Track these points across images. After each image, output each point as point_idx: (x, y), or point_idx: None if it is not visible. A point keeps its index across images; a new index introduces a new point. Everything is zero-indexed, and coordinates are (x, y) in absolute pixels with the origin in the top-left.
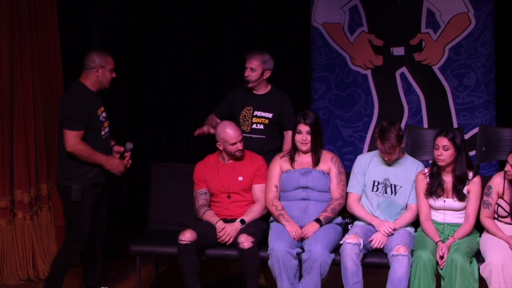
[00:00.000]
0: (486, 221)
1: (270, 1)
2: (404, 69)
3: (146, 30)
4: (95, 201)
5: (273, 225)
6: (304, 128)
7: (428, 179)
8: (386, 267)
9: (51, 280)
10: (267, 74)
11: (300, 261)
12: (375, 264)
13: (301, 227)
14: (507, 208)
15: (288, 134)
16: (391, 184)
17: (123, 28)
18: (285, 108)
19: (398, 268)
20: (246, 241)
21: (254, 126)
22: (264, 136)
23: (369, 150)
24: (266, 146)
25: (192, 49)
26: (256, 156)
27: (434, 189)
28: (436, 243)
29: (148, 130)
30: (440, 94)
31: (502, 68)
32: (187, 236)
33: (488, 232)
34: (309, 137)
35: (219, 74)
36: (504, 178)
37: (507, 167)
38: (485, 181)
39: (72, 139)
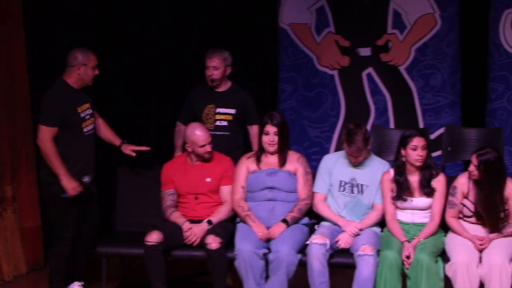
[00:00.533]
0: (451, 221)
1: (237, 1)
2: (370, 70)
3: (111, 32)
4: (81, 196)
5: (239, 226)
6: (271, 129)
7: (394, 181)
8: (352, 267)
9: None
10: (229, 71)
11: (266, 261)
12: (342, 264)
13: (268, 228)
14: (472, 208)
15: (253, 128)
16: (357, 184)
17: (89, 29)
18: (248, 103)
19: (364, 268)
20: (213, 242)
21: (217, 123)
22: (228, 133)
23: (336, 150)
24: (231, 142)
25: (157, 51)
26: (224, 157)
27: (400, 193)
28: (402, 243)
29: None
30: (406, 94)
31: (468, 69)
32: (154, 237)
33: (453, 231)
34: (276, 138)
35: (185, 76)
36: (469, 178)
37: (471, 168)
38: (450, 181)
39: (43, 134)
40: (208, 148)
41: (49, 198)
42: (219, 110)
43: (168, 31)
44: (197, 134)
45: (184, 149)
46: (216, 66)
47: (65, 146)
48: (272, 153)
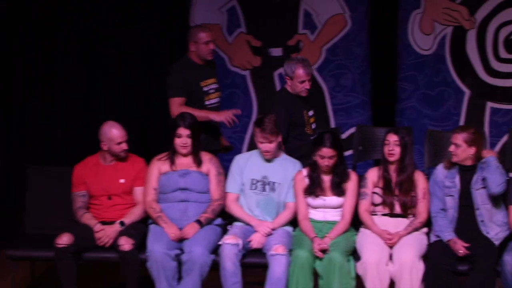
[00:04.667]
0: (363, 215)
1: (148, 1)
2: (282, 70)
3: (19, 28)
4: None
5: (152, 227)
6: (184, 131)
7: (307, 179)
8: (265, 266)
9: None
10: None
11: (179, 262)
12: (254, 264)
13: (180, 229)
14: (381, 193)
15: None
16: (269, 182)
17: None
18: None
19: (277, 267)
20: (126, 244)
21: (313, 126)
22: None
23: (249, 150)
24: None
25: (66, 50)
26: (138, 158)
27: (313, 189)
28: (312, 239)
29: (22, 132)
30: (318, 94)
31: (378, 69)
32: (64, 240)
33: (365, 226)
34: (189, 141)
35: (96, 77)
36: (378, 170)
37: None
38: (362, 180)
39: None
40: (124, 146)
41: None
42: (309, 113)
43: (78, 33)
44: (114, 131)
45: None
46: (310, 78)
47: None
48: (185, 155)
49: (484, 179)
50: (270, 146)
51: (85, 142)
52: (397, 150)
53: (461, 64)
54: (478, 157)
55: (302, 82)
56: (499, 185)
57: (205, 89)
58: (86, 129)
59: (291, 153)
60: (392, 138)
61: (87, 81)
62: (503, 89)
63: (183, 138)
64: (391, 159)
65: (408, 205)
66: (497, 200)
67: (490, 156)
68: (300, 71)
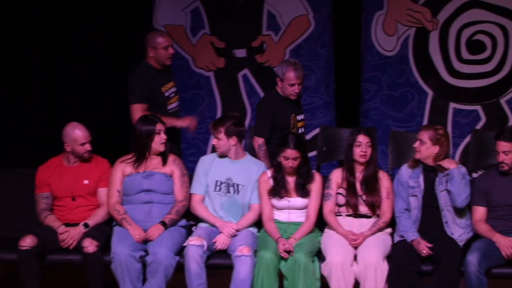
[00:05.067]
0: (328, 216)
1: (110, 2)
2: (246, 71)
3: None
4: None
5: (116, 229)
6: (161, 127)
7: (271, 181)
8: (230, 268)
9: None
10: None
11: (144, 264)
12: (219, 265)
13: (145, 231)
14: (345, 193)
15: None
16: (233, 184)
17: None
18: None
19: (242, 268)
20: (90, 245)
21: (300, 130)
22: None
23: (213, 151)
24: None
25: (29, 52)
26: (102, 159)
27: (278, 190)
28: (277, 240)
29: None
30: None
31: (341, 70)
32: (28, 242)
33: (330, 227)
34: (166, 137)
35: (59, 78)
36: (342, 171)
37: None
38: (326, 181)
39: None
40: (88, 147)
41: None
42: (298, 117)
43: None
44: (77, 132)
45: (273, 160)
46: (301, 82)
47: None
48: (162, 154)
49: (448, 192)
50: (216, 142)
51: (48, 143)
52: (369, 151)
53: (424, 65)
54: (438, 158)
55: (292, 85)
56: (464, 199)
57: (166, 94)
58: (49, 130)
59: (274, 155)
60: (365, 139)
61: (50, 82)
62: (465, 90)
63: (162, 135)
64: (363, 160)
65: (375, 205)
66: None
67: (453, 168)
68: (291, 74)
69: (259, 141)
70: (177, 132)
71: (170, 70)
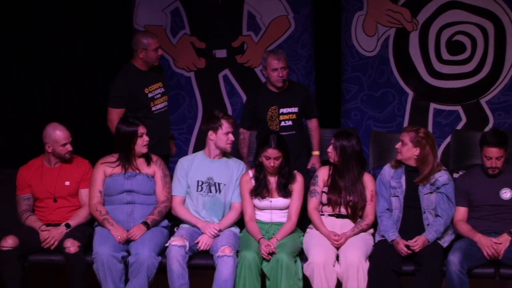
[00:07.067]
0: (312, 213)
1: (90, 2)
2: (227, 71)
3: None
4: None
5: (98, 229)
6: (143, 129)
7: (253, 181)
8: (212, 268)
9: None
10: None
11: (126, 264)
12: (201, 265)
13: (127, 231)
14: (329, 192)
15: (313, 122)
16: (215, 183)
17: None
18: (308, 97)
19: (224, 269)
20: (72, 246)
21: (282, 123)
22: (294, 132)
23: (194, 152)
24: (297, 142)
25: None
26: (83, 160)
27: (259, 190)
28: (259, 240)
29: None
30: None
31: (321, 70)
32: (9, 242)
33: (313, 225)
34: (148, 138)
35: (40, 78)
36: (329, 169)
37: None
38: (308, 181)
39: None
40: (69, 147)
41: None
42: (282, 110)
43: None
44: (58, 133)
45: (255, 160)
46: (284, 66)
47: None
48: (145, 155)
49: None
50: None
51: (29, 144)
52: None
53: (404, 66)
54: (421, 160)
55: (275, 69)
56: (449, 218)
57: (150, 95)
58: (30, 131)
59: (255, 154)
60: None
61: (31, 83)
62: (446, 90)
63: (144, 137)
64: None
65: (357, 206)
66: None
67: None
68: (271, 59)
69: (240, 130)
70: (168, 131)
71: (161, 71)
